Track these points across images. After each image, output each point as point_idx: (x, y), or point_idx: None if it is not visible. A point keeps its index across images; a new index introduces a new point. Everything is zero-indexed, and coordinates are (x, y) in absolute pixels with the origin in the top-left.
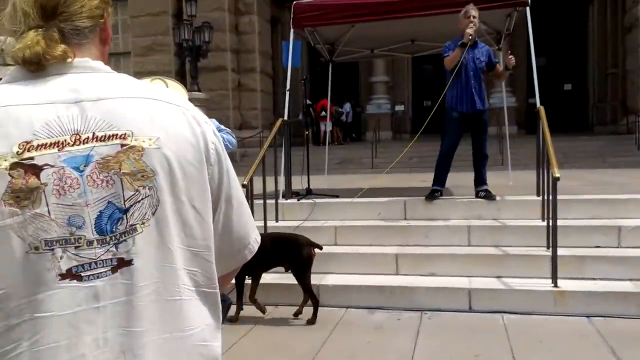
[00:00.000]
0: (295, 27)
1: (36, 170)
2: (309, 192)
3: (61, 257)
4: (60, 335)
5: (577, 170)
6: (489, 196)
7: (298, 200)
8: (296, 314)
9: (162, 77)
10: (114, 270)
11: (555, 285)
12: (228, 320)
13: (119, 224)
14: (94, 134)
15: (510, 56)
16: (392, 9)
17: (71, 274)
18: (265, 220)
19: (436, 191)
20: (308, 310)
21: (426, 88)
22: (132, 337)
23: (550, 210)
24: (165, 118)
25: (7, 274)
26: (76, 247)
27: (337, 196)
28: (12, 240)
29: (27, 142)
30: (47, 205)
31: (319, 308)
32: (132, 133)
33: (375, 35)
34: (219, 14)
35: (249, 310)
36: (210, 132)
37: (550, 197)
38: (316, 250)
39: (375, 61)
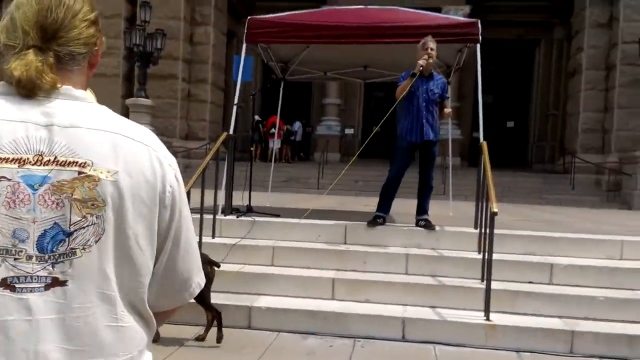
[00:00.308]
0: (248, 42)
1: None
2: (249, 210)
3: None
4: None
5: (515, 205)
6: (428, 226)
7: (237, 217)
8: (200, 339)
9: None
10: (47, 287)
11: (488, 319)
12: None
13: (60, 245)
14: (55, 157)
15: (449, 110)
16: (346, 33)
17: (6, 284)
18: (200, 235)
19: (379, 217)
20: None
21: (376, 114)
22: (65, 354)
23: (486, 244)
24: (128, 154)
25: None
26: (15, 259)
27: (278, 215)
28: None
29: None
30: None
31: (249, 331)
32: (92, 163)
33: (328, 58)
34: (174, 22)
35: (172, 330)
36: (171, 175)
37: (488, 232)
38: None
39: (328, 83)
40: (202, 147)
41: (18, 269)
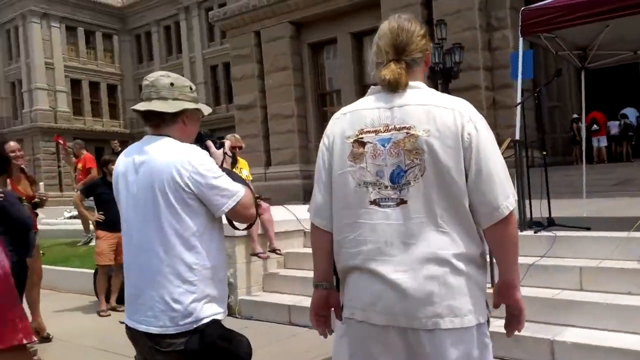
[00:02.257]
0: (524, 35)
1: (363, 144)
2: (550, 223)
3: (371, 192)
4: (369, 233)
5: None
6: None
7: (535, 232)
8: None
9: None
10: (397, 205)
11: None
12: None
13: (401, 179)
14: (395, 126)
15: None
16: None
17: (375, 202)
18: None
19: None
20: None
21: None
22: (405, 245)
23: None
24: (437, 117)
25: (348, 197)
26: (379, 188)
27: (588, 228)
28: (349, 179)
29: (362, 130)
30: (366, 163)
31: None
32: (414, 126)
33: (637, 32)
34: (470, 33)
35: None
36: (470, 126)
37: None
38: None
39: None
40: (510, 156)
41: (381, 194)
